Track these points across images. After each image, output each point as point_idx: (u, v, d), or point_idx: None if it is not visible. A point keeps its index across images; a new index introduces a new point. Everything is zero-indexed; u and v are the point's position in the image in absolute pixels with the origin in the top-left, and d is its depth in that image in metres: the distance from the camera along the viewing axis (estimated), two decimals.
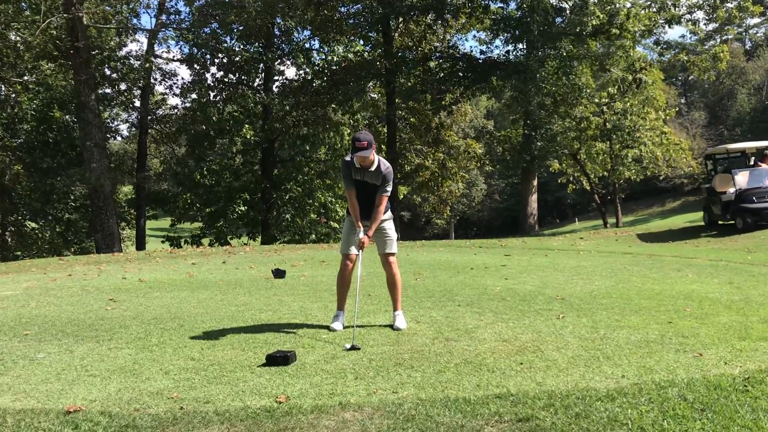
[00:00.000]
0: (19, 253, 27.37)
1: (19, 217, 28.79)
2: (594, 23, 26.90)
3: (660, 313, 6.59)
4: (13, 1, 24.63)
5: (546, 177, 44.96)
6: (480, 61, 29.71)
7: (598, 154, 31.99)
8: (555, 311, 6.73)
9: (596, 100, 31.14)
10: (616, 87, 30.82)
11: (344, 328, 6.15)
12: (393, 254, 6.33)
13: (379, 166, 6.10)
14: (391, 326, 6.14)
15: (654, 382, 4.24)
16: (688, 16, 31.00)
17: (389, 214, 6.34)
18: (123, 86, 30.15)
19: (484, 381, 4.38)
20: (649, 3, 29.74)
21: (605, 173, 33.01)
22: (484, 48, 33.17)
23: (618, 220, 34.04)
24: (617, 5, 27.75)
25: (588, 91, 30.48)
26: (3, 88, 27.54)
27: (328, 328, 6.16)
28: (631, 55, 29.82)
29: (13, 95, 27.61)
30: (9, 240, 28.32)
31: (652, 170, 33.62)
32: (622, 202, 37.01)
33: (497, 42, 35.97)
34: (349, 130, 30.20)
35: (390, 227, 6.37)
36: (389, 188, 6.15)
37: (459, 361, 4.87)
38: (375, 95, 32.84)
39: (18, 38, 25.81)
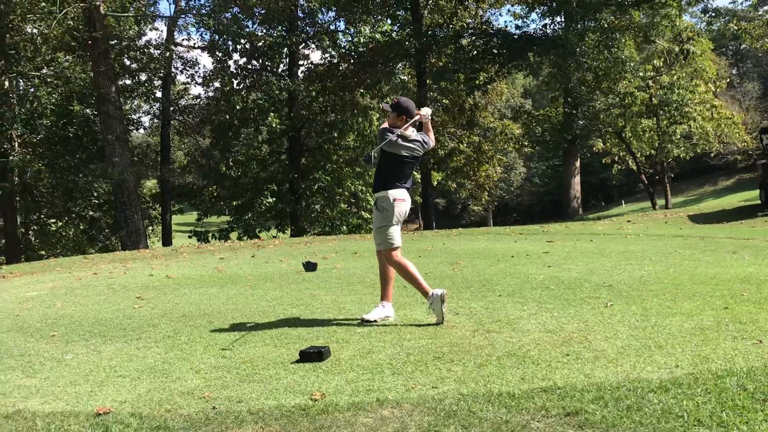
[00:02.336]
0: (43, 252, 27.19)
1: (42, 216, 28.40)
2: None
3: (715, 298, 6.30)
4: None
5: (589, 158, 43.98)
6: (515, 37, 28.70)
7: (644, 132, 31.23)
8: (602, 299, 6.48)
9: (641, 74, 30.15)
10: (662, 59, 30.19)
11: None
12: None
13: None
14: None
15: (710, 371, 4.07)
16: None
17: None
18: (143, 77, 29.90)
19: (529, 374, 4.25)
20: None
21: (652, 152, 32.38)
22: (519, 23, 31.95)
23: (667, 201, 33.31)
24: None
25: (632, 64, 29.46)
26: (21, 83, 27.11)
27: (362, 320, 5.98)
28: (678, 24, 28.93)
29: (32, 89, 27.20)
30: (33, 239, 28.02)
31: (703, 147, 32.95)
32: (671, 182, 36.44)
33: (533, 16, 35.07)
34: (378, 115, 29.38)
35: (375, 211, 6.16)
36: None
37: (501, 353, 4.74)
38: (405, 77, 32.08)
39: (35, 30, 25.42)
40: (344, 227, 28.52)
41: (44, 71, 27.19)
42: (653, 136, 31.02)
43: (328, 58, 29.97)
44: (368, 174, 29.38)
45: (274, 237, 25.69)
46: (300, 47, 29.40)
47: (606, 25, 26.99)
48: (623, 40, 28.16)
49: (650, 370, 4.18)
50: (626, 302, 6.28)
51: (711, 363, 4.25)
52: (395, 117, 6.05)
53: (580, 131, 29.79)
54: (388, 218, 5.96)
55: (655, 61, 30.39)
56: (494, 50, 28.71)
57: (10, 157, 23.92)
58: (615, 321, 5.54)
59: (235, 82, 29.80)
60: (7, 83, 24.64)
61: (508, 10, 32.51)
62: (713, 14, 31.97)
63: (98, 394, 4.33)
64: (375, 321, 5.90)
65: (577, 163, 32.67)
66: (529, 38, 28.34)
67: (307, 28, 29.61)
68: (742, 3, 32.83)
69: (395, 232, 6.01)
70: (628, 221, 20.99)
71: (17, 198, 25.51)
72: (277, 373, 4.56)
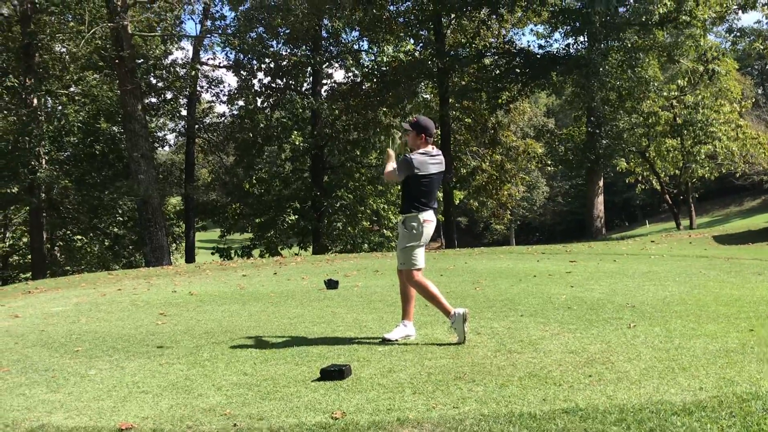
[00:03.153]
0: (68, 268, 27.37)
1: (68, 232, 28.67)
2: (661, 11, 25.73)
3: (740, 320, 6.25)
4: (58, 12, 24.61)
5: (612, 177, 43.73)
6: (538, 56, 28.53)
7: (668, 151, 30.98)
8: (625, 320, 6.45)
9: (665, 94, 29.95)
10: (687, 79, 29.97)
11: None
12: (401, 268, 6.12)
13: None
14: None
15: (735, 394, 4.03)
16: (763, 0, 28.99)
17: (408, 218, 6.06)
18: (169, 95, 30.15)
19: (551, 395, 4.22)
20: None
21: (677, 171, 32.16)
22: (542, 42, 31.91)
23: (692, 221, 32.99)
24: None
25: (656, 84, 29.21)
26: (49, 101, 27.51)
27: (383, 339, 5.96)
28: (702, 44, 28.52)
29: (60, 107, 27.58)
30: (58, 255, 28.28)
31: (728, 167, 32.72)
32: (695, 202, 36.08)
33: (556, 35, 35.00)
34: (399, 134, 29.39)
35: (402, 231, 6.10)
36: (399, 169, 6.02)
37: (523, 374, 4.72)
38: (427, 95, 32.06)
39: (63, 49, 25.85)
40: (365, 245, 28.52)
41: (72, 89, 27.62)
42: (677, 155, 30.77)
43: (351, 77, 30.11)
44: (390, 192, 29.39)
45: (296, 254, 25.73)
46: (323, 66, 29.58)
47: (630, 45, 26.87)
48: (647, 60, 27.97)
49: (674, 393, 4.12)
50: (649, 323, 6.22)
51: (736, 386, 4.20)
52: (415, 136, 6.05)
53: (604, 151, 29.56)
54: (416, 238, 5.96)
55: (679, 81, 30.18)
56: (517, 69, 28.62)
57: (38, 174, 24.23)
58: (638, 342, 5.48)
59: (259, 100, 30.05)
60: (35, 101, 25.01)
61: (531, 30, 32.31)
62: (738, 34, 31.70)
63: (121, 410, 4.37)
64: (396, 340, 5.88)
65: (601, 183, 32.41)
66: (552, 58, 28.20)
67: (331, 47, 29.82)
68: (766, 23, 32.54)
69: (420, 253, 6.00)
70: (652, 241, 20.83)
71: (44, 214, 25.79)
72: (297, 391, 4.56)
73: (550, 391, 4.30)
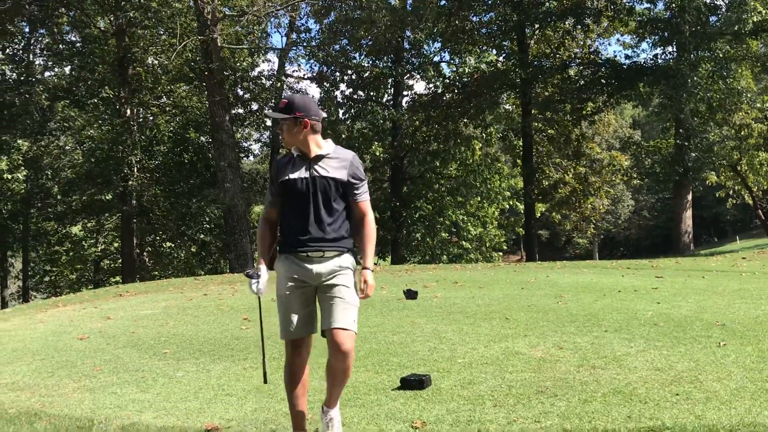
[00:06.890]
0: (156, 273, 28.19)
1: (157, 238, 29.63)
2: (755, 20, 24.76)
3: None
4: (151, 27, 25.58)
5: (701, 191, 42.38)
6: (625, 67, 27.94)
7: (761, 165, 29.57)
8: (714, 338, 6.17)
9: (758, 105, 28.65)
10: None
11: None
12: (347, 330, 3.71)
13: (335, 151, 3.73)
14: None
15: None
16: None
17: (350, 258, 3.80)
18: (255, 106, 30.71)
19: (636, 412, 4.11)
20: None
21: None
22: (629, 52, 31.13)
23: None
24: None
25: (749, 95, 28.03)
26: (142, 111, 28.56)
27: None
28: None
29: (151, 118, 28.60)
30: (147, 260, 29.24)
31: None
32: None
33: (644, 45, 34.09)
34: (480, 144, 29.30)
35: (350, 278, 3.78)
36: (366, 191, 3.80)
37: (607, 390, 4.61)
38: (509, 107, 31.78)
39: (156, 62, 26.82)
40: (444, 256, 28.43)
41: (163, 100, 28.59)
42: None
43: (433, 88, 30.18)
44: (469, 203, 29.24)
45: (375, 264, 25.82)
46: (405, 78, 29.76)
47: (721, 55, 26.03)
48: (739, 70, 27.06)
49: (767, 415, 3.96)
50: (741, 342, 5.98)
51: None
52: (292, 124, 3.68)
53: (693, 164, 28.60)
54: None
55: None
56: (602, 80, 28.17)
57: (130, 182, 25.16)
58: (728, 361, 5.29)
59: (341, 111, 30.44)
60: (129, 112, 26.02)
61: (618, 40, 31.71)
62: None
63: (207, 411, 4.51)
64: None
65: (689, 197, 31.40)
66: (639, 68, 27.64)
67: (413, 59, 29.96)
68: None
69: None
70: (743, 258, 19.97)
71: (134, 220, 26.75)
72: (378, 399, 4.61)
73: (636, 408, 4.19)
